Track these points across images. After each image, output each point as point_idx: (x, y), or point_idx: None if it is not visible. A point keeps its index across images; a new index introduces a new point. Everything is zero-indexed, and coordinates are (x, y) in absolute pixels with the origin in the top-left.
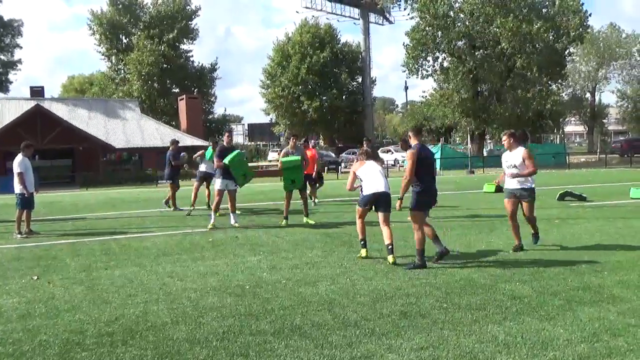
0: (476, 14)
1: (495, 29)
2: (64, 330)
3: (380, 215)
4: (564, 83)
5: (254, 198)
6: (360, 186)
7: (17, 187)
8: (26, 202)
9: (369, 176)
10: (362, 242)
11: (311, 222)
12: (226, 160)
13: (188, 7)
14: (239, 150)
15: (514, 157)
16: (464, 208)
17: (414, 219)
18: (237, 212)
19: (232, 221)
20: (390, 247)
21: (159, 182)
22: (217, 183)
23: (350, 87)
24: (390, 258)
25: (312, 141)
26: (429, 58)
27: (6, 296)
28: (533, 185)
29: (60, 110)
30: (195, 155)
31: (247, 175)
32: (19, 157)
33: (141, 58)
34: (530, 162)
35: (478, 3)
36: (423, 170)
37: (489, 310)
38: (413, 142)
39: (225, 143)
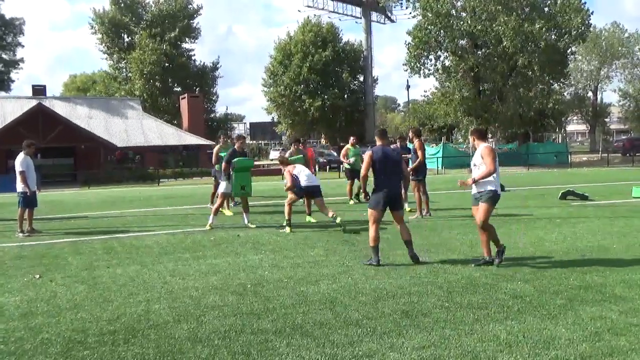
0: (478, 12)
1: (498, 26)
2: (66, 329)
3: (317, 200)
4: (566, 82)
5: (255, 197)
6: (297, 177)
7: (19, 186)
8: (28, 201)
9: (302, 173)
10: (288, 221)
11: (313, 220)
12: (234, 162)
13: (190, 6)
14: (250, 160)
15: (476, 155)
16: (465, 207)
17: (369, 216)
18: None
19: (246, 221)
20: (333, 217)
21: (160, 180)
22: (222, 186)
23: (352, 86)
24: (331, 215)
25: (353, 139)
26: (431, 57)
27: (8, 295)
28: (493, 188)
29: (62, 109)
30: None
31: (244, 188)
32: (21, 156)
33: (143, 57)
34: (488, 159)
35: (480, 1)
36: (377, 170)
37: (491, 310)
38: (377, 143)
39: (236, 147)
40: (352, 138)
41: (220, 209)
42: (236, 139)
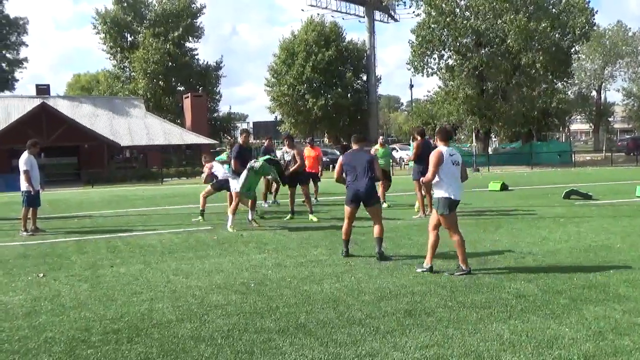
0: (483, 10)
1: (502, 24)
2: (70, 328)
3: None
4: (569, 81)
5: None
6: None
7: (23, 185)
8: (32, 200)
9: (219, 171)
10: (201, 211)
11: (315, 219)
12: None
13: (193, 5)
14: (262, 164)
15: None
16: (469, 206)
17: (344, 211)
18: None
19: (250, 217)
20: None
21: (164, 179)
22: (233, 184)
23: (355, 85)
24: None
25: (381, 138)
26: (435, 56)
27: (12, 293)
28: (443, 195)
29: (66, 108)
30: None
31: (250, 191)
32: (25, 155)
33: (146, 56)
34: (430, 164)
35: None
36: (346, 172)
37: (494, 309)
38: (353, 147)
39: (241, 142)
40: (380, 138)
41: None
42: (240, 133)
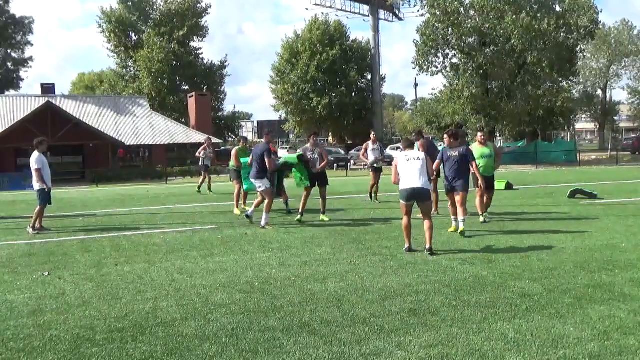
0: (487, 9)
1: (507, 24)
2: (75, 326)
3: None
4: (574, 80)
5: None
6: None
7: (37, 184)
8: (47, 197)
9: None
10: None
11: (326, 219)
12: (290, 160)
13: (198, 5)
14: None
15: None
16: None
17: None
18: (248, 209)
19: (263, 222)
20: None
21: (168, 178)
22: (260, 183)
23: (359, 84)
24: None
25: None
26: (439, 55)
27: (17, 292)
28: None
29: (71, 107)
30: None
31: (302, 181)
32: (35, 154)
33: (151, 55)
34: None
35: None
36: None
37: (499, 308)
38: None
39: (272, 149)
40: (480, 134)
41: (243, 206)
42: (266, 136)
